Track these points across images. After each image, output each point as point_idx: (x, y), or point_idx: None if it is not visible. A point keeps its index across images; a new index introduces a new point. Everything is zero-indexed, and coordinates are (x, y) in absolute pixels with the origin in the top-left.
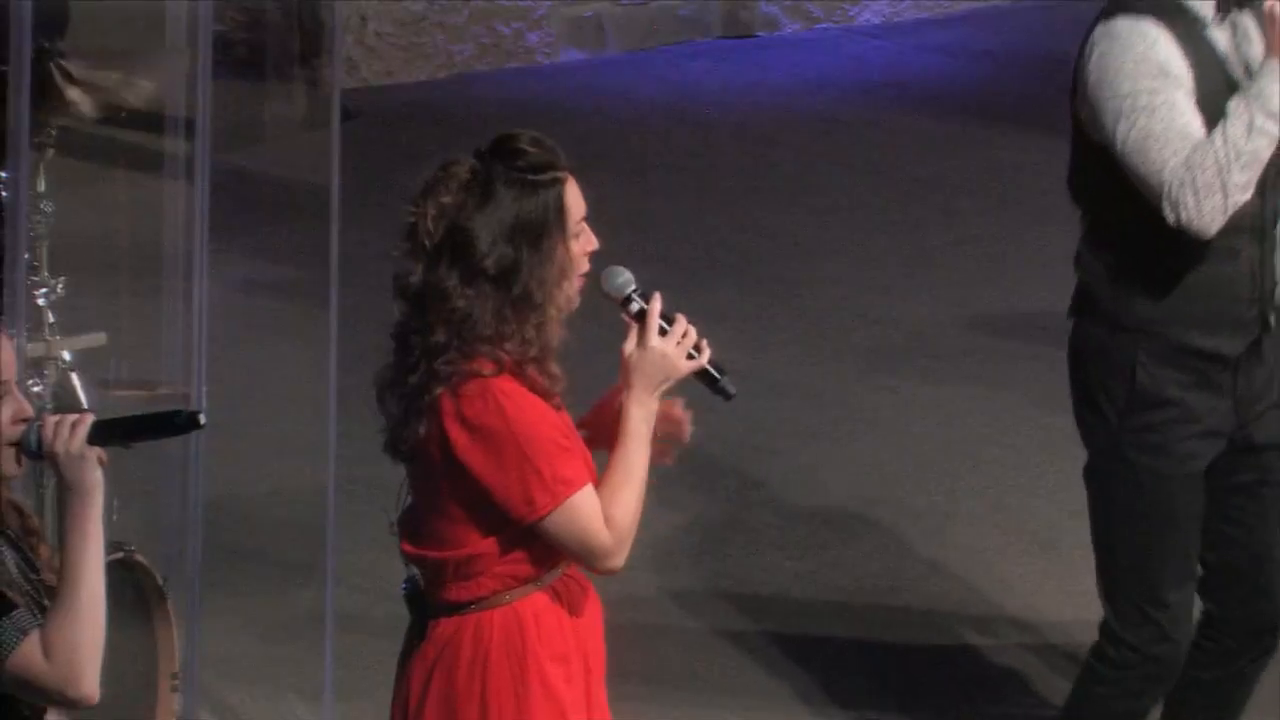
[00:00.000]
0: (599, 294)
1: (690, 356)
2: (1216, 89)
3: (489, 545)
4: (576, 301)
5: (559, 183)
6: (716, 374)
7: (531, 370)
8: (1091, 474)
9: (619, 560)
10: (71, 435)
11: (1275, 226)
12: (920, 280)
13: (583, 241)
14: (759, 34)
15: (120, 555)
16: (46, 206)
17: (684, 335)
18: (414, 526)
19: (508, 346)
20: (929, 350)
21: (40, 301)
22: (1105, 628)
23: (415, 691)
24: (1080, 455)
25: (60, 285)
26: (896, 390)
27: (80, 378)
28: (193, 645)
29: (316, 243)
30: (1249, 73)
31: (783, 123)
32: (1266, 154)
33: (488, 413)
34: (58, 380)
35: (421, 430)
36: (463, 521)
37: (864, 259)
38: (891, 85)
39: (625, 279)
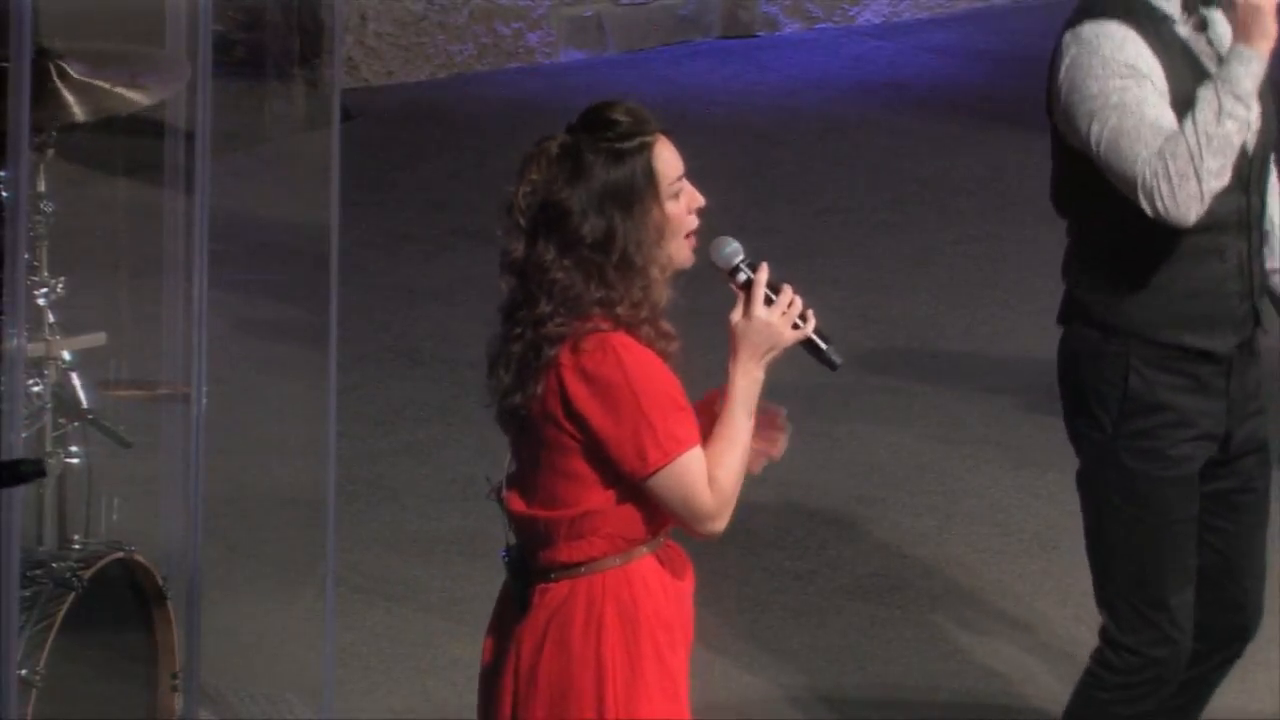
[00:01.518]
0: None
1: (796, 326)
2: (1189, 86)
3: (602, 503)
4: (690, 259)
5: (646, 148)
6: (822, 343)
7: (646, 330)
8: (1085, 480)
9: (720, 524)
10: None
11: (1262, 222)
12: (920, 280)
13: (685, 200)
14: (759, 34)
15: (120, 555)
16: (46, 206)
17: (789, 305)
18: (523, 487)
19: (619, 310)
20: (929, 350)
21: (40, 301)
22: (1105, 634)
23: (527, 657)
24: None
25: (60, 285)
26: (897, 390)
27: (80, 378)
28: (193, 645)
29: (316, 243)
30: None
31: (783, 123)
32: (1238, 138)
33: (606, 364)
34: (58, 380)
35: (539, 389)
36: (576, 478)
37: (864, 259)
38: (891, 85)
39: (733, 249)
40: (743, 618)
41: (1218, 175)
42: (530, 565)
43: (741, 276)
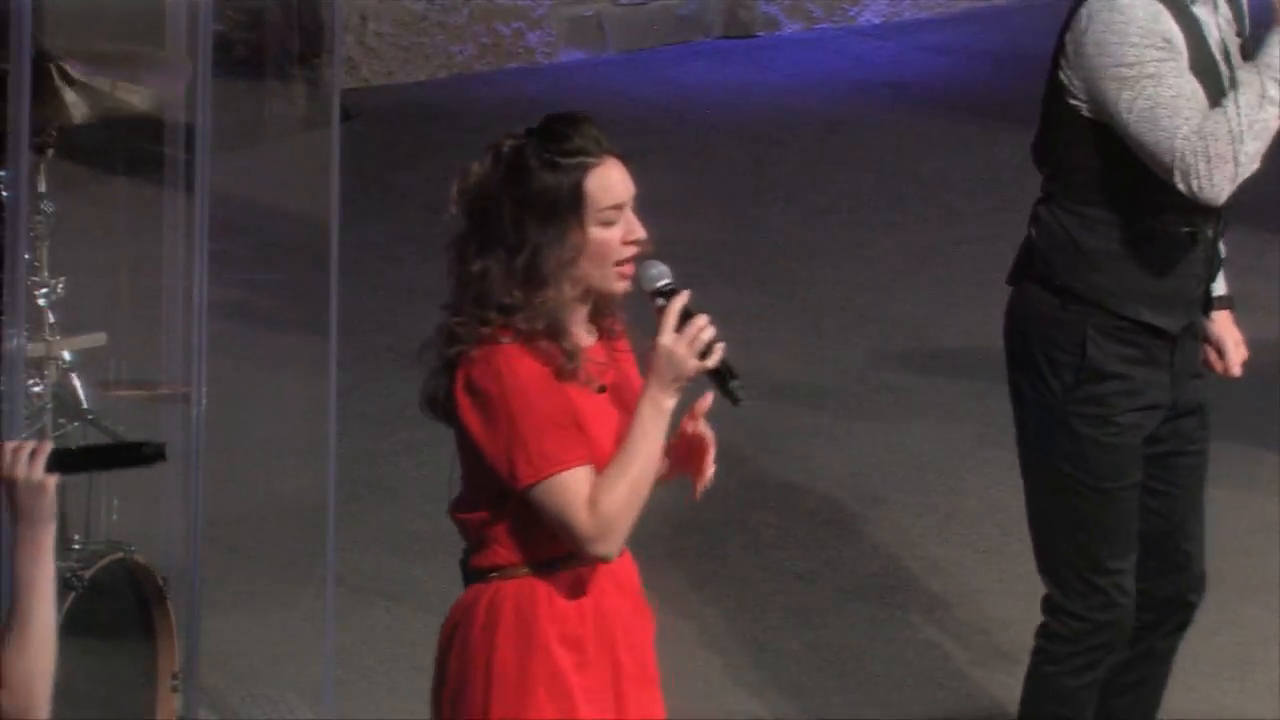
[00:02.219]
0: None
1: (704, 357)
2: (1203, 67)
3: (500, 513)
4: (618, 288)
5: (584, 168)
6: (727, 377)
7: (543, 343)
8: (1031, 447)
9: (603, 548)
10: (31, 463)
11: (1228, 210)
12: (920, 280)
13: (619, 230)
14: (759, 34)
15: (120, 555)
16: (46, 206)
17: (697, 336)
18: (461, 493)
19: (518, 318)
20: (929, 350)
21: (40, 301)
22: (1049, 603)
23: (440, 650)
24: None
25: (60, 285)
26: (896, 390)
27: (80, 378)
28: (193, 645)
29: (316, 243)
30: (1227, 53)
31: (783, 123)
32: (1276, 124)
33: (487, 377)
34: (58, 380)
35: (441, 389)
36: (480, 489)
37: (864, 259)
38: (891, 85)
39: (655, 273)
40: (743, 618)
41: (1253, 159)
42: (467, 568)
43: (660, 302)
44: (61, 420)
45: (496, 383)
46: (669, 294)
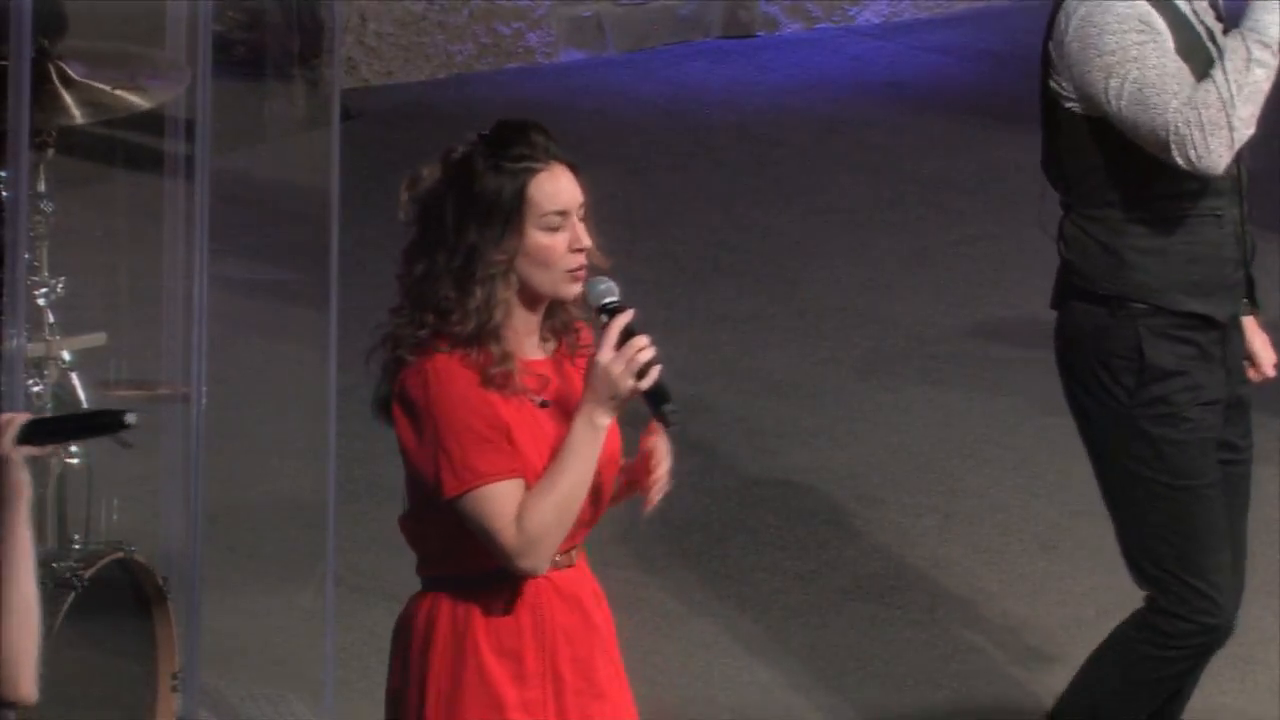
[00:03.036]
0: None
1: (641, 377)
2: (1191, 49)
3: (435, 524)
4: (569, 293)
5: (528, 173)
6: (660, 399)
7: (475, 350)
8: (1106, 459)
9: (527, 563)
10: (1, 435)
11: (1247, 188)
12: (920, 280)
13: (565, 237)
14: (759, 34)
15: (120, 555)
16: (46, 206)
17: (635, 355)
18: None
19: (451, 320)
20: (929, 350)
21: (40, 301)
22: (1154, 605)
23: (390, 661)
24: (1080, 455)
25: (60, 285)
26: (896, 390)
27: (80, 378)
28: (193, 645)
29: (316, 243)
30: (1212, 35)
31: (783, 123)
32: (1266, 85)
33: (416, 388)
34: (58, 380)
35: (384, 393)
36: (416, 497)
37: (864, 259)
38: (891, 85)
39: (601, 289)
40: (743, 618)
41: (1248, 124)
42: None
43: (604, 318)
44: None
45: (424, 392)
46: (613, 311)
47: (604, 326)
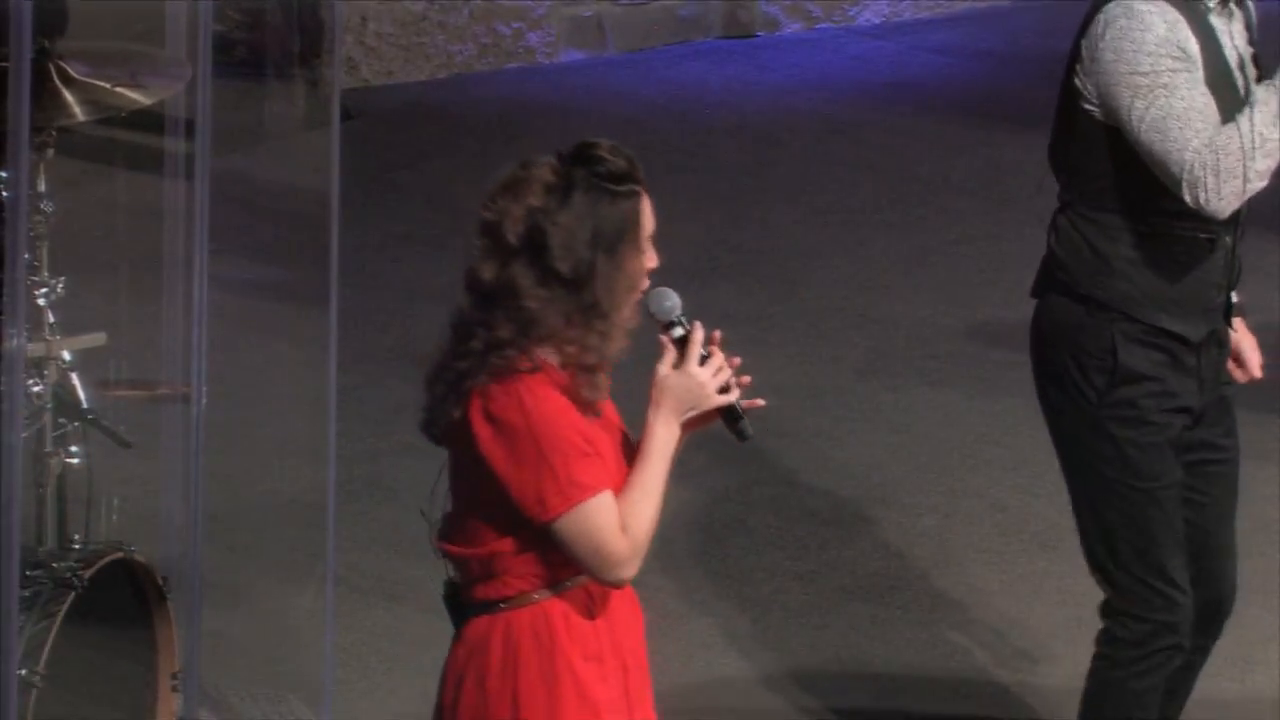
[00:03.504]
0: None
1: (723, 391)
2: (1220, 76)
3: (513, 544)
4: (636, 318)
5: (636, 195)
6: (739, 413)
7: (580, 378)
8: (1068, 454)
9: (630, 571)
10: None
11: (1244, 215)
12: (920, 280)
13: (647, 258)
14: (759, 34)
15: (120, 555)
16: (46, 206)
17: (719, 369)
18: (451, 524)
19: (568, 349)
20: (929, 350)
21: (40, 301)
22: (1109, 609)
23: (449, 692)
24: None
25: (60, 285)
26: (896, 390)
27: (80, 378)
28: (193, 645)
29: (316, 243)
30: (1242, 62)
31: (783, 123)
32: None
33: (510, 408)
34: (58, 380)
35: (456, 415)
36: (488, 519)
37: (864, 259)
38: (891, 85)
39: (674, 303)
40: (743, 618)
41: (1263, 176)
42: (463, 600)
43: (678, 331)
44: (61, 420)
45: (520, 413)
46: (684, 323)
47: (678, 340)
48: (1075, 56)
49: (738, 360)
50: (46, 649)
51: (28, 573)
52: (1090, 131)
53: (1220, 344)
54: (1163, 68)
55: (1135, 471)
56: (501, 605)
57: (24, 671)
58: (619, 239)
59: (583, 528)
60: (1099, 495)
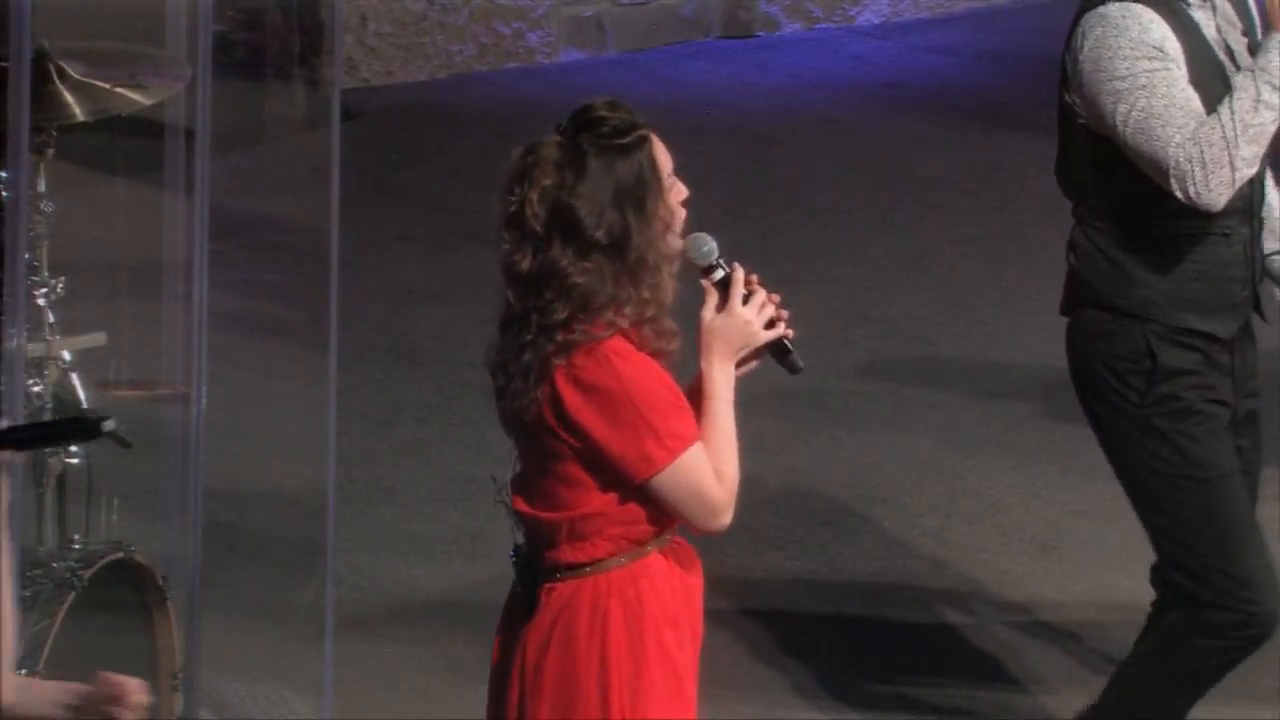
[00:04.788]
0: None
1: (768, 326)
2: (1205, 71)
3: (604, 505)
4: (677, 247)
5: (645, 141)
6: (789, 347)
7: (647, 330)
8: (1125, 461)
9: (728, 517)
10: None
11: (1262, 208)
12: (920, 280)
13: (675, 192)
14: (759, 34)
15: (120, 555)
16: (46, 206)
17: (763, 305)
18: (526, 490)
19: (626, 310)
20: (929, 350)
21: (40, 301)
22: (1197, 603)
23: (532, 657)
24: (1080, 455)
25: (60, 285)
26: (896, 390)
27: (80, 378)
28: (193, 645)
29: (316, 243)
30: (1231, 54)
31: (783, 123)
32: (1273, 127)
33: (600, 372)
34: (58, 380)
35: (538, 395)
36: (577, 483)
37: (864, 259)
38: (891, 85)
39: (711, 247)
40: (743, 617)
41: (1250, 163)
42: (537, 565)
43: (719, 274)
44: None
45: (612, 375)
46: (726, 266)
47: (720, 282)
48: (1063, 73)
49: (778, 297)
50: (46, 649)
51: (28, 572)
52: (1088, 146)
53: (1251, 340)
54: (1139, 69)
55: (1194, 463)
56: (588, 569)
57: (24, 671)
58: (642, 189)
59: (686, 478)
60: (1163, 494)
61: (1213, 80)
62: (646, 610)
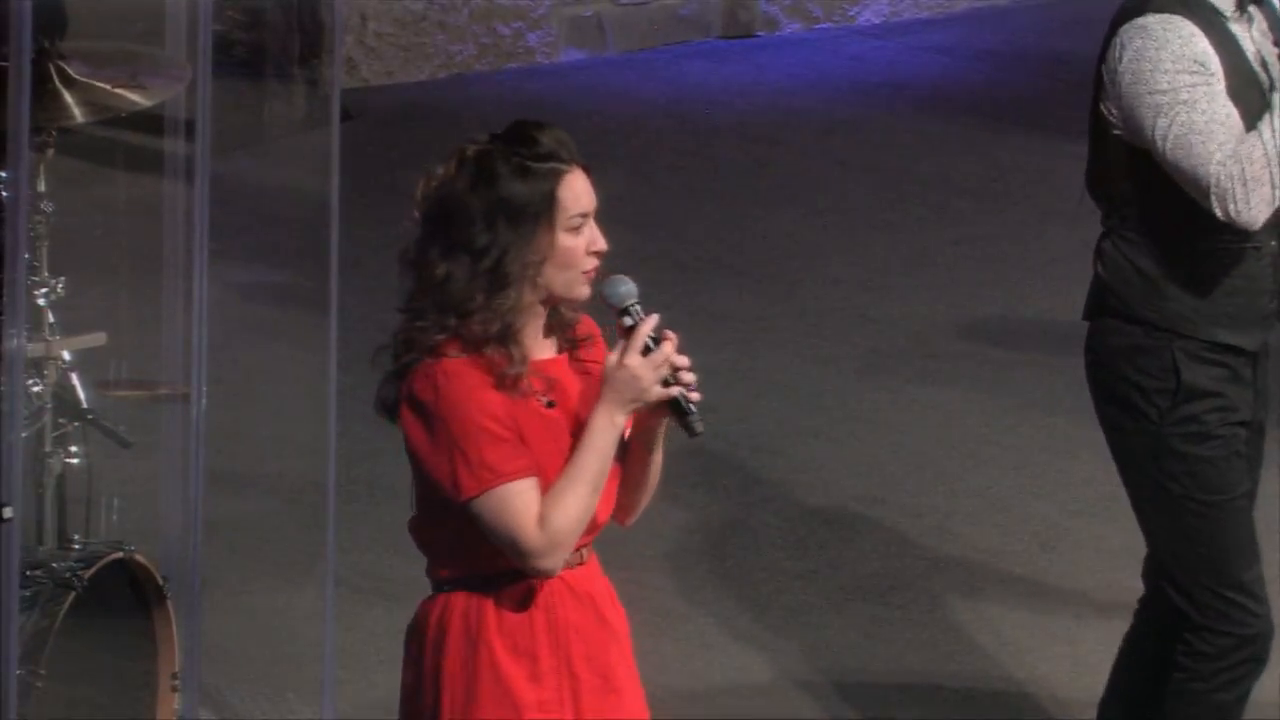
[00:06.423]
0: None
1: (667, 384)
2: (1243, 84)
3: (447, 525)
4: (583, 294)
5: (556, 173)
6: (686, 408)
7: (492, 350)
8: (1135, 474)
9: (548, 563)
10: None
11: None
12: (920, 280)
13: (584, 238)
14: (759, 34)
15: (120, 555)
16: (46, 206)
17: (663, 362)
18: (416, 505)
19: (474, 321)
20: (929, 350)
21: (40, 301)
22: (1185, 624)
23: (402, 664)
24: (1080, 455)
25: (60, 285)
26: (896, 390)
27: (80, 378)
28: (193, 645)
29: (316, 243)
30: (1266, 67)
31: (783, 123)
32: None
33: (427, 390)
34: (58, 380)
35: (390, 395)
36: (425, 499)
37: (864, 259)
38: (891, 85)
39: (625, 290)
40: (743, 618)
41: None
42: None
43: (628, 321)
44: (61, 420)
45: (434, 394)
46: (637, 313)
47: (628, 329)
48: (1098, 83)
49: (685, 360)
50: (46, 649)
51: (28, 573)
52: (1122, 156)
53: (1268, 354)
54: (1180, 84)
55: (1204, 486)
56: (444, 586)
57: (24, 671)
58: (526, 212)
59: (495, 513)
60: (1169, 513)
61: (1250, 94)
62: (484, 634)
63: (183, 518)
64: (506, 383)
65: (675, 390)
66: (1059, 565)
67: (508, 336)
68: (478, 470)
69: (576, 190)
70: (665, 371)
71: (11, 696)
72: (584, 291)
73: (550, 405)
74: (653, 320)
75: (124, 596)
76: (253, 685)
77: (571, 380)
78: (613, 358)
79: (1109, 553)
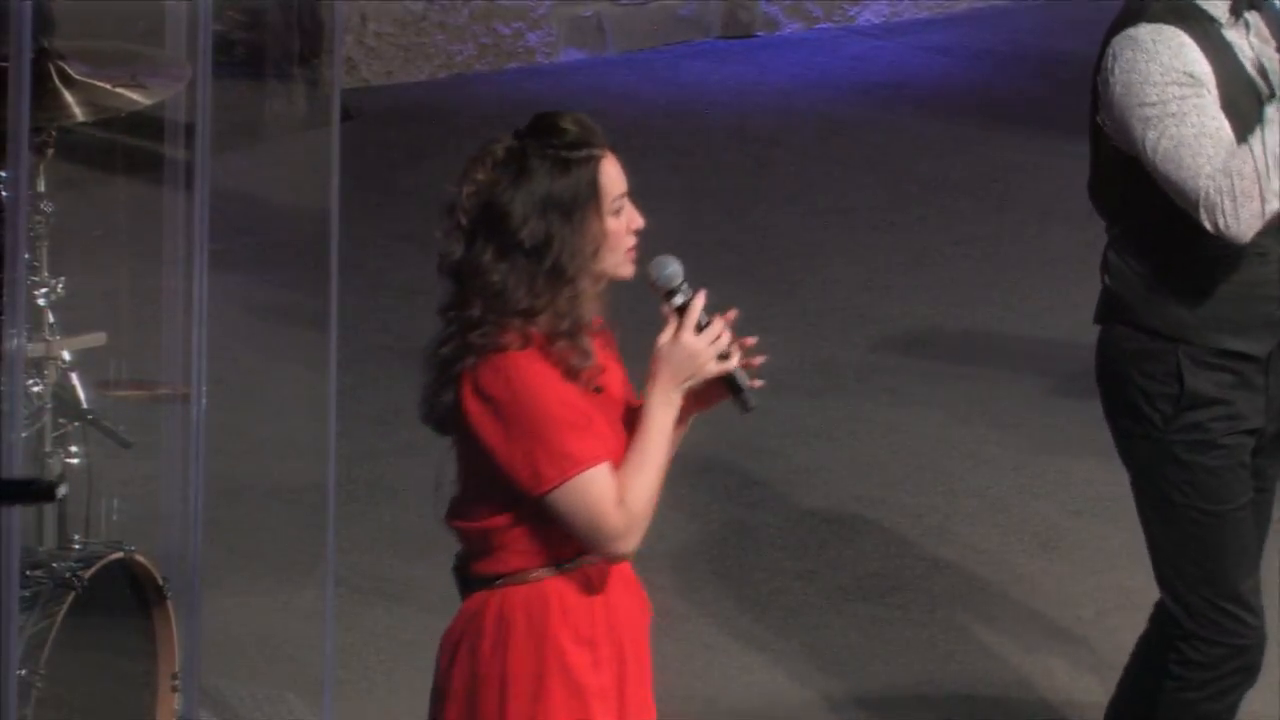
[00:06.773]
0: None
1: (722, 359)
2: (1238, 91)
3: (510, 519)
4: (630, 273)
5: (593, 160)
6: (741, 383)
7: (562, 344)
8: (1138, 479)
9: (629, 545)
10: None
11: None
12: (920, 280)
13: (625, 218)
14: (759, 34)
15: (120, 555)
16: (46, 206)
17: (718, 337)
18: (458, 501)
19: (540, 320)
20: (929, 350)
21: (40, 301)
22: (1178, 631)
23: (444, 665)
24: (1081, 455)
25: (60, 285)
26: (896, 390)
27: (80, 378)
28: (193, 645)
29: (316, 243)
30: (1264, 73)
31: (783, 123)
32: None
33: (498, 384)
34: (58, 380)
35: (448, 399)
36: (485, 494)
37: (864, 259)
38: (891, 85)
39: (674, 270)
40: (743, 618)
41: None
42: (466, 575)
43: (678, 299)
44: (61, 420)
45: (508, 388)
46: (686, 292)
47: (678, 308)
48: (1094, 94)
49: (751, 341)
50: (46, 649)
51: (28, 573)
52: (1119, 167)
53: None
54: (1169, 96)
55: (1205, 495)
56: (499, 581)
57: (24, 671)
58: (575, 204)
59: (578, 501)
60: (1168, 519)
61: (1246, 100)
62: (551, 627)
63: (183, 518)
64: (573, 373)
65: (732, 364)
66: (1059, 565)
67: (577, 330)
68: (559, 459)
69: (612, 174)
70: (721, 346)
71: (11, 696)
72: (629, 270)
73: (598, 390)
74: (701, 300)
75: (124, 596)
76: (253, 685)
77: (608, 361)
78: (666, 336)
79: (1109, 553)
